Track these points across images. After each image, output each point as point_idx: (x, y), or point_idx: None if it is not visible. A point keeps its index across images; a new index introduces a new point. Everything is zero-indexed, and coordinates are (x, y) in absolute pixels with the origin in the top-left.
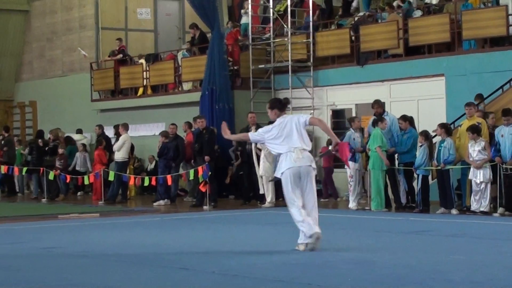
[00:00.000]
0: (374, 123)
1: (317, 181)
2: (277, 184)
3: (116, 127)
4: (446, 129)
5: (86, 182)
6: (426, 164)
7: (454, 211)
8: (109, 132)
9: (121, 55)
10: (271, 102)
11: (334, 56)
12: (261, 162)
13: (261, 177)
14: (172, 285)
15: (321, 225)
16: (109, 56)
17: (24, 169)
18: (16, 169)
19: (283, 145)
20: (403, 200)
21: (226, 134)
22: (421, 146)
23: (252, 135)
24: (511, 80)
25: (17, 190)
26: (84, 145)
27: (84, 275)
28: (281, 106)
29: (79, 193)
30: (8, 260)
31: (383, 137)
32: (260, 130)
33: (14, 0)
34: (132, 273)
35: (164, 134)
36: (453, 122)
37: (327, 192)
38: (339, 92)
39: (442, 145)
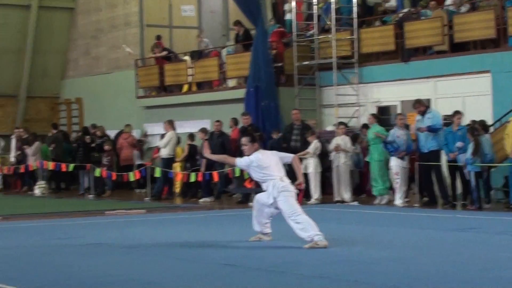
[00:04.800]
0: None
1: None
2: (323, 181)
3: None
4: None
5: (132, 178)
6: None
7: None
8: (154, 128)
9: (165, 52)
10: (252, 136)
11: (379, 52)
12: (309, 159)
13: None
14: (218, 281)
15: (367, 221)
16: (153, 52)
17: (71, 165)
18: (63, 165)
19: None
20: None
21: (206, 153)
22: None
23: (239, 161)
24: None
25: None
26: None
27: (130, 271)
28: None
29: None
30: (55, 255)
31: None
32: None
33: None
34: (178, 269)
35: (203, 130)
36: (500, 119)
37: None
38: (384, 88)
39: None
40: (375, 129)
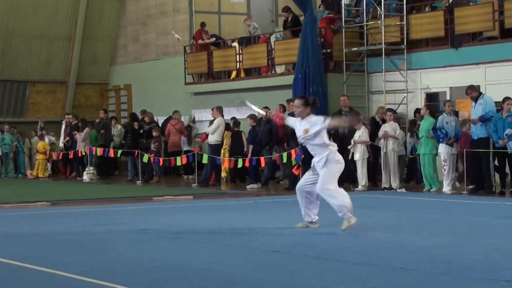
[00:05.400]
0: None
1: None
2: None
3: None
4: None
5: (179, 163)
6: None
7: None
8: (202, 115)
9: (213, 39)
10: (306, 99)
11: (428, 38)
12: (357, 146)
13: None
14: (264, 268)
15: (414, 208)
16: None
17: (119, 151)
18: (111, 151)
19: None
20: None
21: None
22: None
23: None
24: None
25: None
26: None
27: (177, 257)
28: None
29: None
30: (103, 241)
31: None
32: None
33: None
34: (225, 256)
35: (252, 117)
36: None
37: None
38: (433, 75)
39: None
40: (428, 121)
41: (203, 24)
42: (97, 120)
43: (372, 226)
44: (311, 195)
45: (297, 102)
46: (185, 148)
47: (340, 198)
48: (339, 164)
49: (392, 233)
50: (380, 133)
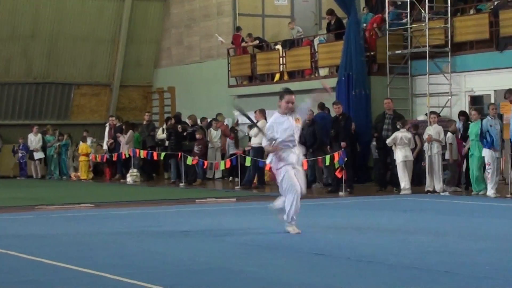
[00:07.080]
0: None
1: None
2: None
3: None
4: None
5: (222, 167)
6: None
7: None
8: (245, 117)
9: (257, 41)
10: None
11: (473, 41)
12: (398, 148)
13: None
14: (307, 270)
15: (458, 212)
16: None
17: (163, 154)
18: (154, 153)
19: None
20: None
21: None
22: None
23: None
24: None
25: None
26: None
27: (218, 259)
28: None
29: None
30: (146, 243)
31: None
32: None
33: None
34: (267, 258)
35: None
36: None
37: None
38: (477, 78)
39: None
40: (477, 126)
41: (238, 29)
42: (144, 123)
43: (416, 229)
44: None
45: (293, 98)
46: (232, 151)
47: None
48: None
49: (436, 236)
50: (425, 136)
